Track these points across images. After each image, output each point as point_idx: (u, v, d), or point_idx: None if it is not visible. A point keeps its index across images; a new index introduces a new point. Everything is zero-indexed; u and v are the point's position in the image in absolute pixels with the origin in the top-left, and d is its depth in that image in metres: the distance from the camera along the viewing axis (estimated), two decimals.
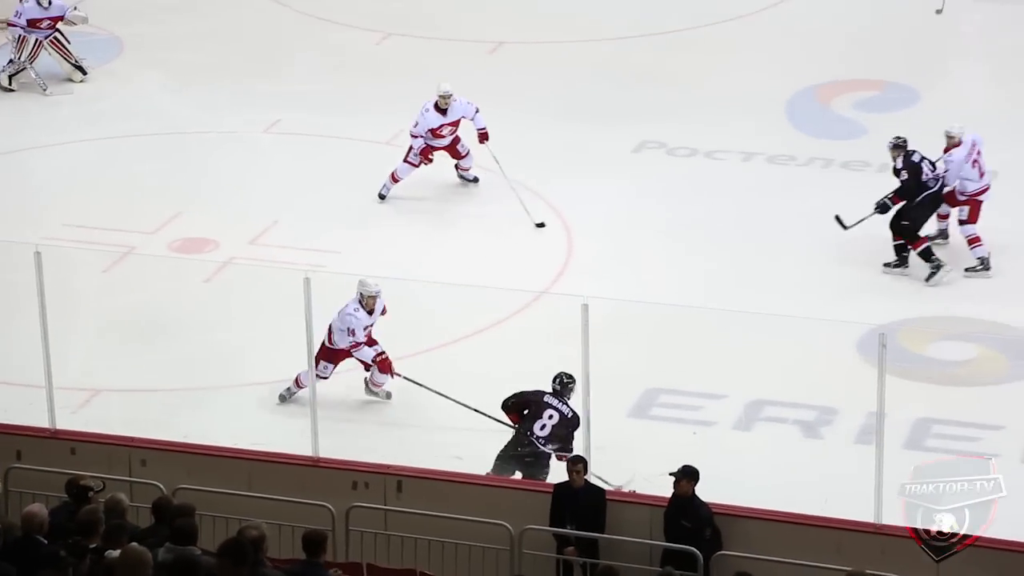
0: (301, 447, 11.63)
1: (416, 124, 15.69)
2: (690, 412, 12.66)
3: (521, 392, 11.97)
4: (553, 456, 11.79)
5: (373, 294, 12.70)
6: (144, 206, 15.73)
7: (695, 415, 12.63)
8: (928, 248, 14.35)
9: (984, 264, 14.44)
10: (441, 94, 15.66)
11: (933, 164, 14.51)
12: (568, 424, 11.79)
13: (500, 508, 11.05)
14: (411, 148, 15.79)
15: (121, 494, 9.93)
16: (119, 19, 19.70)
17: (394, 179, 15.88)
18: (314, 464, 11.57)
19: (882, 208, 14.45)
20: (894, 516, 10.64)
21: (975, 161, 14.48)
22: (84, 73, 18.43)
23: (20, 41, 18.21)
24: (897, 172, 14.48)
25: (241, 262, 14.80)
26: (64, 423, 11.91)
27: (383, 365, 12.74)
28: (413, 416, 12.83)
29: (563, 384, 11.87)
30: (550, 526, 10.92)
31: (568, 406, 11.81)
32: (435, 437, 12.42)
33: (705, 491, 10.85)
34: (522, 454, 11.85)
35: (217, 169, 16.59)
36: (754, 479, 11.70)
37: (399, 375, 12.78)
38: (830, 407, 12.51)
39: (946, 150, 14.57)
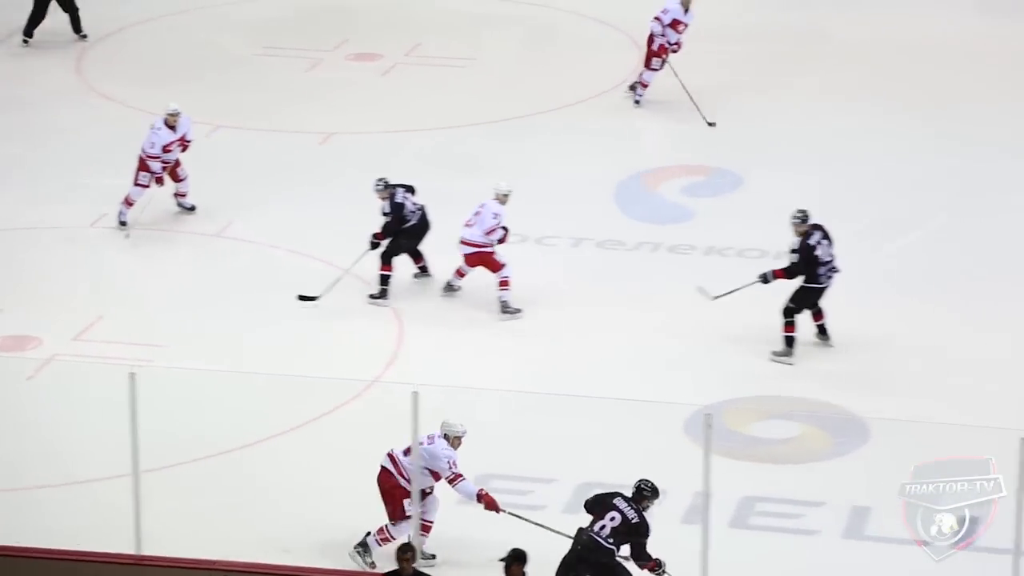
0: (124, 545, 11.44)
1: (152, 144, 16.70)
2: (520, 497, 12.66)
3: (600, 494, 11.70)
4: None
5: (459, 435, 12.17)
6: None
7: (525, 500, 12.63)
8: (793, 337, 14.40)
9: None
10: (170, 112, 16.78)
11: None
12: (630, 529, 11.42)
13: None
14: (145, 170, 16.72)
15: None
16: None
17: (128, 203, 16.77)
18: (137, 562, 11.40)
19: (763, 279, 14.51)
20: None
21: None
22: None
23: None
24: (794, 250, 14.47)
25: (65, 359, 14.59)
26: None
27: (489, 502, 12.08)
28: (243, 507, 12.69)
29: (639, 491, 11.56)
30: None
31: (635, 511, 11.46)
32: (265, 529, 12.29)
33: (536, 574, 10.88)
34: (588, 558, 11.39)
35: (40, 264, 16.39)
36: None
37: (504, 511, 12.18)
38: (658, 488, 12.57)
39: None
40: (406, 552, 10.99)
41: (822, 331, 14.60)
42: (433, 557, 12.01)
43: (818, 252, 14.33)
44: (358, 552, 12.06)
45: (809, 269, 14.31)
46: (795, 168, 17.98)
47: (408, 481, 11.86)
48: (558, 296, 15.76)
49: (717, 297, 14.60)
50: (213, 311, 15.60)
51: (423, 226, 15.84)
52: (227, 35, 22.15)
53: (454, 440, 12.08)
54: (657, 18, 18.96)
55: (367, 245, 15.67)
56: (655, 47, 19.10)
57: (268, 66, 21.23)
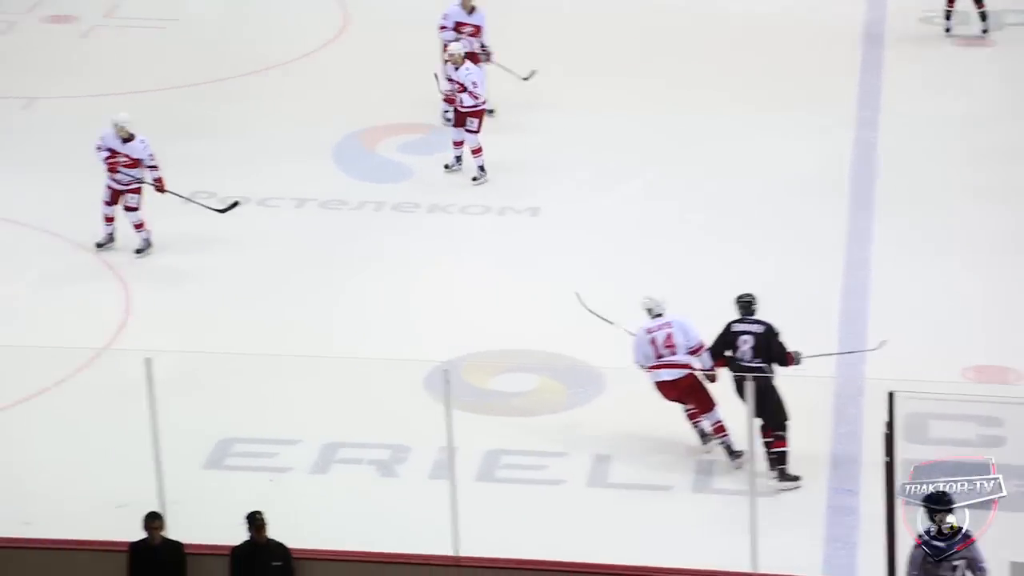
0: None
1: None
2: (266, 460, 12.65)
3: (717, 337, 12.30)
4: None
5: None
6: None
7: (271, 462, 12.62)
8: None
9: None
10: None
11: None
12: (762, 336, 12.19)
13: (79, 571, 10.87)
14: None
15: None
16: None
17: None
18: None
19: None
20: (471, 548, 11.01)
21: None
22: None
23: None
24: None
25: None
26: None
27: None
28: None
29: (743, 304, 12.31)
30: None
31: (757, 321, 12.23)
32: (4, 502, 11.99)
33: (286, 536, 10.91)
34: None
35: None
36: (334, 521, 11.81)
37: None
38: (403, 445, 12.72)
39: None
40: (155, 520, 10.93)
41: None
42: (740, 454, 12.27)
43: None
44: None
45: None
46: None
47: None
48: (285, 257, 15.71)
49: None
50: None
51: None
52: None
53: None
54: (442, 27, 17.84)
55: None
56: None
57: None
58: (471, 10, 17.81)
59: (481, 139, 16.85)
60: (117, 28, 20.81)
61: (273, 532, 10.89)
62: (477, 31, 17.78)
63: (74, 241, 15.80)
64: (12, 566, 10.96)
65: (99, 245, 15.72)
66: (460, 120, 16.95)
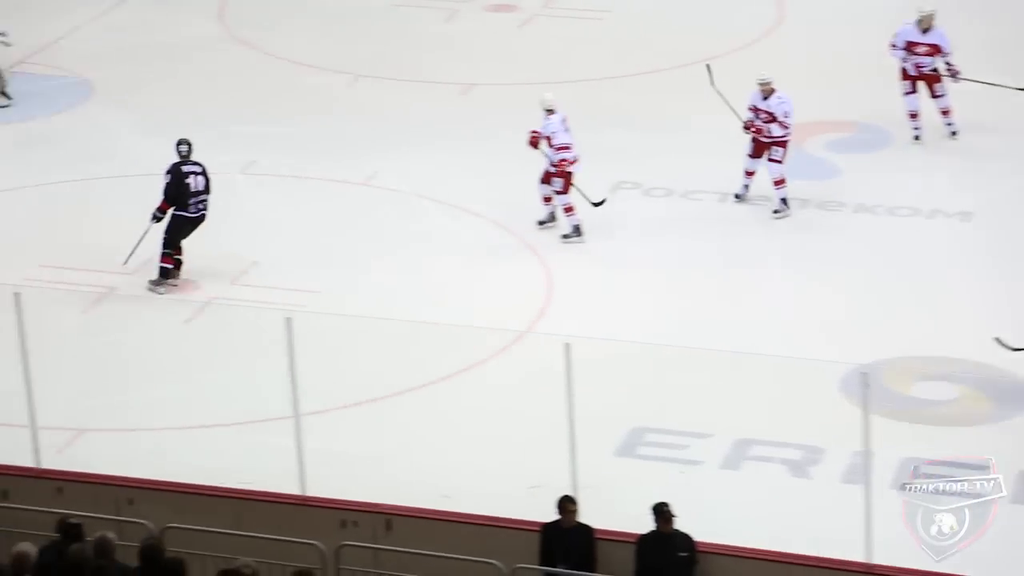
0: (289, 486, 11.60)
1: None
2: (677, 451, 12.69)
3: None
4: None
5: None
6: (123, 247, 15.66)
7: (682, 454, 12.66)
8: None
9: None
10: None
11: None
12: None
13: (490, 547, 11.04)
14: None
15: (110, 533, 9.90)
16: (88, 63, 19.68)
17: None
18: (303, 503, 11.54)
19: None
20: (884, 556, 10.75)
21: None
22: (9, 99, 18.42)
23: None
24: None
25: (222, 303, 14.76)
26: (49, 462, 11.85)
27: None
28: (402, 453, 12.81)
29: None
30: (540, 565, 10.91)
31: None
32: (424, 475, 12.38)
33: (692, 529, 10.90)
34: None
35: None
36: (742, 518, 11.74)
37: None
38: (816, 446, 12.56)
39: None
40: (569, 503, 11.05)
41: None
42: None
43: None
44: None
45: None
46: None
47: None
48: (705, 251, 15.70)
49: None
50: (363, 257, 15.71)
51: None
52: None
53: None
54: (893, 45, 17.27)
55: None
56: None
57: (406, 17, 21.29)
58: (926, 29, 17.08)
59: (784, 170, 16.22)
60: (555, 18, 21.19)
61: (680, 523, 10.91)
62: (935, 50, 17.05)
63: (501, 224, 16.18)
64: (434, 536, 11.29)
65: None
66: (761, 150, 16.19)
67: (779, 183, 16.13)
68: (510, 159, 16.64)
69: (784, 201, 16.12)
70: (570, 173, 15.82)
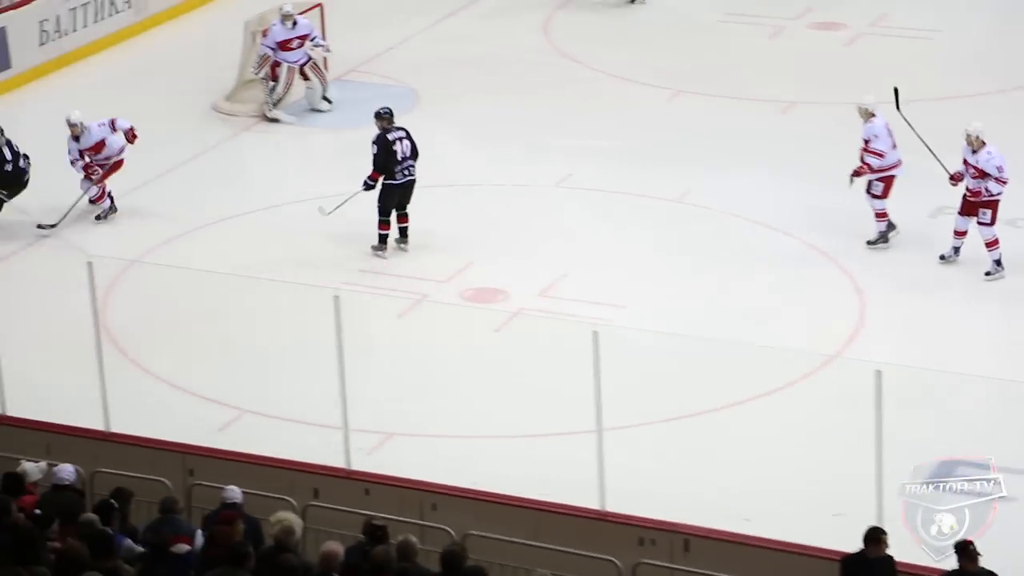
0: (588, 500, 11.64)
1: None
2: (986, 485, 12.23)
3: None
4: None
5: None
6: (437, 255, 15.98)
7: (992, 488, 12.18)
8: None
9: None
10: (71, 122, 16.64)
11: None
12: None
13: (789, 574, 10.88)
14: None
15: (412, 537, 10.07)
16: (415, 73, 20.13)
17: None
18: (601, 517, 11.57)
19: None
20: None
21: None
22: (329, 103, 18.95)
23: (273, 68, 18.79)
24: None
25: (530, 313, 14.91)
26: (359, 464, 12.15)
27: None
28: (703, 473, 12.74)
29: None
30: None
31: None
32: (724, 497, 12.28)
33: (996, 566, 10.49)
34: None
35: (508, 221, 16.76)
36: None
37: None
38: None
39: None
40: (881, 534, 10.71)
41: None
42: None
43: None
44: None
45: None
46: None
47: None
48: None
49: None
50: (672, 275, 15.68)
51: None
52: (691, 1, 22.19)
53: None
54: None
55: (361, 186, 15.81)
56: None
57: (731, 32, 21.20)
58: None
59: (997, 231, 15.24)
60: (883, 37, 20.82)
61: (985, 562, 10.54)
62: None
63: (815, 245, 15.93)
64: (732, 559, 11.18)
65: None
66: (971, 209, 15.14)
67: (991, 245, 15.18)
68: (827, 180, 16.37)
69: (998, 263, 15.21)
70: (891, 177, 15.57)
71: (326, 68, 19.28)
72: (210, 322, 15.02)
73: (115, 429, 12.62)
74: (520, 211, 16.97)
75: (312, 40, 19.03)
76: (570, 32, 21.35)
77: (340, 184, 16.55)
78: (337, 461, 12.10)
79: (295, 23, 18.86)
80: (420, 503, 11.70)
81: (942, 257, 15.55)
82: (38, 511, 10.45)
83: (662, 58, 20.44)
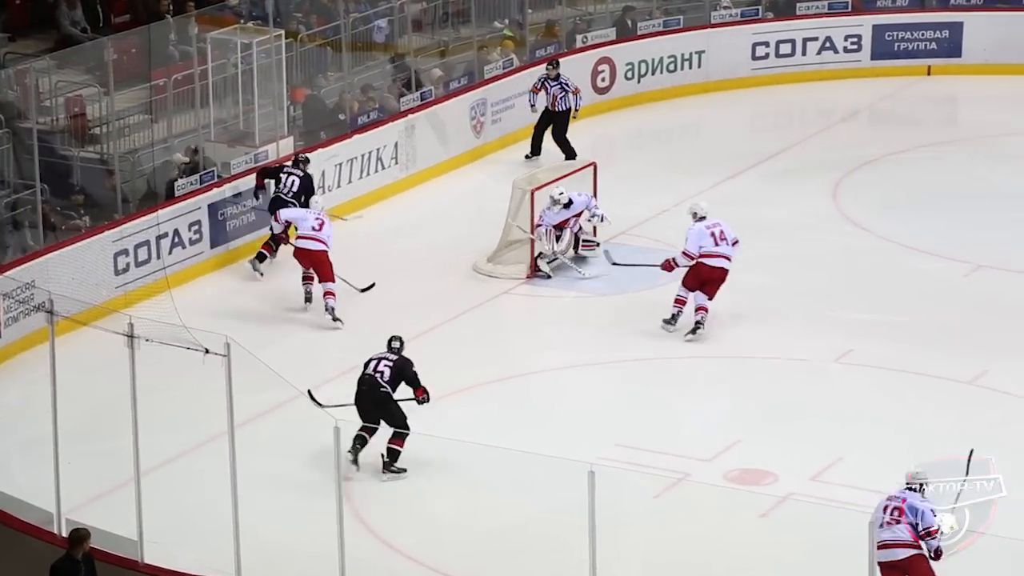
0: None
1: None
2: None
3: None
4: None
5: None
6: (701, 431, 14.98)
7: None
8: None
9: None
10: None
11: None
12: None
13: None
14: None
15: None
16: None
17: None
18: None
19: None
20: None
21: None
22: (583, 273, 18.23)
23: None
24: None
25: (800, 499, 13.72)
26: None
27: None
28: None
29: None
30: None
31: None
32: None
33: None
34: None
35: (781, 398, 15.70)
36: None
37: None
38: None
39: None
40: None
41: None
42: None
43: None
44: None
45: None
46: None
47: None
48: None
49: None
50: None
51: None
52: (997, 166, 21.01)
53: None
54: None
55: None
56: None
57: None
58: None
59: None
60: None
61: None
62: None
63: None
64: None
65: None
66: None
67: None
68: None
69: None
70: None
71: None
72: (454, 494, 14.23)
73: None
74: (795, 387, 15.89)
75: (590, 210, 18.39)
76: (860, 199, 20.36)
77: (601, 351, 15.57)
78: None
79: (569, 202, 18.24)
80: None
81: None
82: None
83: (961, 230, 19.20)
